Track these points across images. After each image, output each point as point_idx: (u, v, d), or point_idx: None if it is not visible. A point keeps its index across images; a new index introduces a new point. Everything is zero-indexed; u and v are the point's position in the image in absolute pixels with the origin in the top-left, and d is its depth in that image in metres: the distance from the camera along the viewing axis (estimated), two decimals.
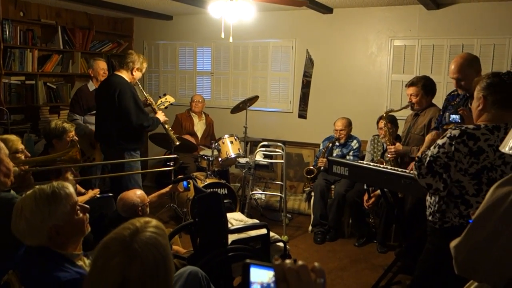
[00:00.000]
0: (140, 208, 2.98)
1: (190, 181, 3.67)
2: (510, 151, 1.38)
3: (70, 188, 1.83)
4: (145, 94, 4.37)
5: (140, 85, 4.35)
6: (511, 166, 2.22)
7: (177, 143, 4.57)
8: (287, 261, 0.87)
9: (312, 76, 5.87)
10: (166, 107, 4.49)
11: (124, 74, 4.08)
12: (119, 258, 1.25)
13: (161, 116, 4.29)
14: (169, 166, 4.64)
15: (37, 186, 1.81)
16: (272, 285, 0.87)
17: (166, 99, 4.50)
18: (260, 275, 0.88)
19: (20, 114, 5.52)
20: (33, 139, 5.27)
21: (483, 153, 2.23)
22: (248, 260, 0.88)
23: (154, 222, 1.39)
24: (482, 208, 1.41)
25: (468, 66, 3.15)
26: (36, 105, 5.61)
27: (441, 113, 3.52)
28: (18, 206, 1.74)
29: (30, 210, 1.71)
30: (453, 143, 2.26)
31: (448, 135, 2.31)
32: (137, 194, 3.05)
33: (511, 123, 2.22)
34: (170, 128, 4.58)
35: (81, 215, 1.85)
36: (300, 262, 0.87)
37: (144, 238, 1.30)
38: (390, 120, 4.19)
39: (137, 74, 4.14)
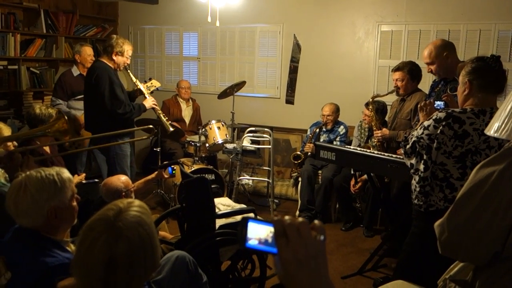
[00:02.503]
0: (124, 193, 2.95)
1: (175, 167, 3.64)
2: (495, 134, 1.39)
3: (70, 175, 1.86)
4: (134, 81, 4.22)
5: (129, 71, 4.20)
6: (496, 150, 2.25)
7: (171, 130, 4.36)
8: (287, 217, 0.83)
9: (300, 62, 5.84)
10: (151, 92, 4.41)
11: (106, 60, 3.97)
12: (105, 237, 1.26)
13: (148, 102, 4.14)
14: (156, 151, 4.61)
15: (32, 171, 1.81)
16: (270, 240, 0.83)
17: (151, 83, 4.40)
18: (258, 231, 0.84)
19: (3, 99, 5.41)
20: (16, 125, 5.19)
21: (468, 137, 2.26)
22: (246, 215, 0.85)
23: (137, 202, 1.41)
24: (465, 189, 1.42)
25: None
26: (19, 91, 5.50)
27: (425, 99, 3.54)
28: (21, 184, 1.74)
29: (36, 187, 1.73)
30: (438, 125, 2.29)
31: (434, 117, 2.34)
32: (121, 179, 3.02)
33: (497, 107, 2.24)
34: (163, 115, 4.37)
35: (75, 203, 1.88)
36: (300, 219, 0.84)
37: (128, 217, 1.32)
38: (377, 108, 4.18)
39: (119, 59, 3.96)
